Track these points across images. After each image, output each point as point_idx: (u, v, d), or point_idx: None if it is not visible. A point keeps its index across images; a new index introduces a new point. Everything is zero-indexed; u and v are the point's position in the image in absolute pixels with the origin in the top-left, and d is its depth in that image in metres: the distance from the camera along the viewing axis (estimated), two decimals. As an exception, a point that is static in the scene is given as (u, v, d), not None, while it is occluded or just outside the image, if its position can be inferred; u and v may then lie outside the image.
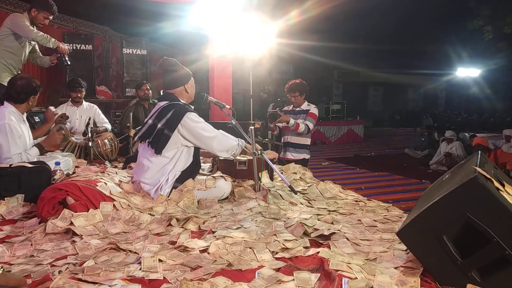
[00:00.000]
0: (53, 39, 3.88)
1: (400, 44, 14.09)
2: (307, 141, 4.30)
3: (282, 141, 4.37)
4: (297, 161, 4.04)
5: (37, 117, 4.69)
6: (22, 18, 3.79)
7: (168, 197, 2.53)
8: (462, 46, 15.18)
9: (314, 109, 4.27)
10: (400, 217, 2.27)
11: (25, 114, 3.05)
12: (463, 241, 1.43)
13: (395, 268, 1.59)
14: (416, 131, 11.69)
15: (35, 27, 3.89)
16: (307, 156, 4.31)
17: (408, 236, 1.57)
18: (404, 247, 1.70)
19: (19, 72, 3.95)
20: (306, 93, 4.34)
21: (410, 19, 12.09)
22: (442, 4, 11.42)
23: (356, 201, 2.69)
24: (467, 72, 19.75)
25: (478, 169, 1.42)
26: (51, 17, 3.92)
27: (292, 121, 4.06)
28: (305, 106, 4.33)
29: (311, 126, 4.17)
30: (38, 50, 4.26)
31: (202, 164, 3.07)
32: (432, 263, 1.49)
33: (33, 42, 4.04)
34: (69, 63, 4.13)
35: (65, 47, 4.01)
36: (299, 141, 4.27)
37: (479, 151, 1.77)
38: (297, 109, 4.35)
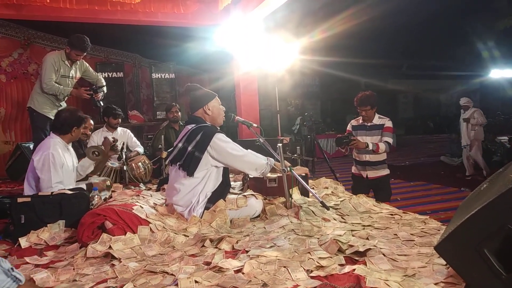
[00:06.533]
0: (66, 91, 4.08)
1: (426, 53, 13.79)
2: (385, 155, 3.87)
3: (357, 159, 3.96)
4: (379, 178, 3.86)
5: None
6: (49, 62, 3.99)
7: (201, 218, 2.57)
8: (495, 47, 14.67)
9: (389, 122, 3.82)
10: (438, 230, 2.20)
11: (70, 144, 3.22)
12: (506, 254, 1.37)
13: (436, 284, 1.54)
14: (451, 137, 11.30)
15: (70, 61, 4.13)
16: (388, 171, 3.92)
17: (447, 250, 1.51)
18: (444, 262, 1.65)
19: (61, 104, 4.17)
20: (377, 105, 3.85)
21: (435, 27, 11.87)
22: (467, 8, 11.15)
23: (391, 214, 2.63)
24: (502, 73, 19.00)
25: (517, 178, 1.37)
26: (83, 54, 4.14)
27: (370, 145, 3.67)
28: (377, 120, 3.85)
29: (391, 141, 3.78)
30: (93, 76, 4.49)
31: (232, 183, 3.10)
32: (474, 278, 1.43)
33: (77, 76, 4.27)
34: (102, 104, 4.34)
35: (82, 94, 4.20)
36: (378, 158, 3.83)
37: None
38: (369, 124, 3.86)
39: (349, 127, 4.04)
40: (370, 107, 3.79)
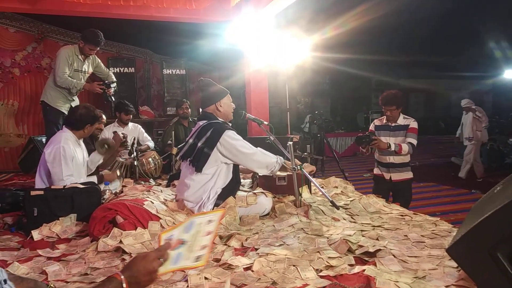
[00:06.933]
0: (80, 85, 4.10)
1: (439, 52, 13.60)
2: (409, 157, 3.71)
3: (381, 161, 3.77)
4: (403, 182, 3.71)
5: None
6: (63, 56, 4.02)
7: (210, 214, 2.57)
8: (509, 47, 14.42)
9: (414, 123, 3.64)
10: (449, 232, 2.18)
11: (81, 139, 3.25)
12: (520, 258, 1.35)
13: (446, 286, 1.53)
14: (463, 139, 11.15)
15: (83, 56, 4.17)
16: (411, 175, 3.77)
17: (458, 253, 1.50)
18: (455, 264, 1.64)
19: (74, 99, 4.21)
20: (403, 105, 3.69)
21: (448, 26, 11.68)
22: (482, 7, 10.96)
23: (402, 215, 2.61)
24: (517, 74, 18.70)
25: (533, 182, 1.35)
26: (97, 49, 4.17)
27: (393, 146, 3.49)
28: (402, 120, 3.68)
29: (415, 143, 3.58)
30: (104, 72, 4.53)
31: (242, 180, 3.11)
32: (486, 281, 1.42)
33: (89, 71, 4.31)
34: (113, 99, 4.37)
35: (95, 88, 4.23)
36: (403, 160, 3.67)
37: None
38: (393, 124, 3.68)
39: (371, 127, 3.89)
40: (396, 107, 3.63)
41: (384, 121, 3.77)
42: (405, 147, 3.51)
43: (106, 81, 4.37)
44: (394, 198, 3.73)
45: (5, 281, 1.01)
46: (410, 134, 3.60)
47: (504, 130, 11.96)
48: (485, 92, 22.89)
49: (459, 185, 7.23)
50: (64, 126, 3.19)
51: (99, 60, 4.48)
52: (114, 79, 4.51)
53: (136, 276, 1.07)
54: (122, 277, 1.05)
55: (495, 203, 1.47)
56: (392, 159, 3.68)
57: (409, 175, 3.74)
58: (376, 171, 3.89)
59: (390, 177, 3.72)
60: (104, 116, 4.02)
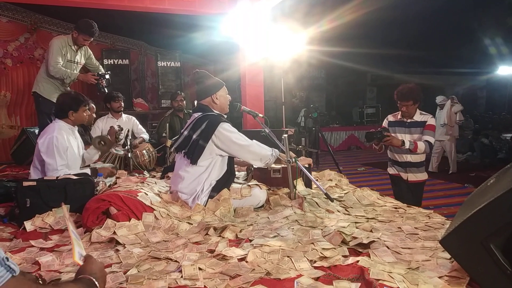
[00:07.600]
0: (73, 75, 4.05)
1: (434, 47, 13.64)
2: (424, 156, 3.47)
3: (396, 159, 3.53)
4: (420, 183, 3.50)
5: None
6: (56, 46, 3.97)
7: (205, 206, 2.57)
8: (503, 43, 14.49)
9: (432, 120, 3.40)
10: (443, 224, 2.20)
11: (76, 128, 3.20)
12: (512, 249, 1.36)
13: (439, 277, 1.54)
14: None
15: (76, 47, 4.12)
16: (426, 176, 3.54)
17: (452, 244, 1.51)
18: (448, 256, 1.65)
19: (66, 90, 4.16)
20: (420, 100, 3.40)
21: (443, 21, 11.71)
22: (478, 2, 10.99)
23: (395, 208, 2.62)
24: (510, 70, 18.82)
25: (526, 173, 1.36)
26: (91, 39, 4.12)
27: (407, 143, 3.25)
28: (418, 116, 3.42)
29: (433, 141, 3.34)
30: (95, 65, 4.50)
31: (237, 173, 3.11)
32: (479, 272, 1.43)
33: (82, 62, 4.27)
34: (106, 90, 4.33)
35: (89, 79, 4.20)
36: (420, 159, 3.44)
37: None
38: (408, 120, 3.43)
39: (384, 123, 3.64)
40: (412, 102, 3.35)
41: (399, 116, 3.51)
42: (421, 145, 3.27)
43: (100, 72, 4.33)
44: None
45: (7, 258, 1.01)
46: (427, 132, 3.37)
47: (497, 125, 12.06)
48: (479, 88, 23.03)
49: (452, 179, 7.29)
50: (55, 117, 3.16)
51: (91, 52, 4.44)
52: (104, 72, 4.48)
53: (95, 273, 1.25)
54: (92, 278, 1.22)
55: (488, 195, 1.48)
56: (409, 157, 3.44)
57: (424, 176, 3.52)
58: (391, 171, 3.63)
59: (407, 178, 3.49)
60: (93, 105, 3.98)
